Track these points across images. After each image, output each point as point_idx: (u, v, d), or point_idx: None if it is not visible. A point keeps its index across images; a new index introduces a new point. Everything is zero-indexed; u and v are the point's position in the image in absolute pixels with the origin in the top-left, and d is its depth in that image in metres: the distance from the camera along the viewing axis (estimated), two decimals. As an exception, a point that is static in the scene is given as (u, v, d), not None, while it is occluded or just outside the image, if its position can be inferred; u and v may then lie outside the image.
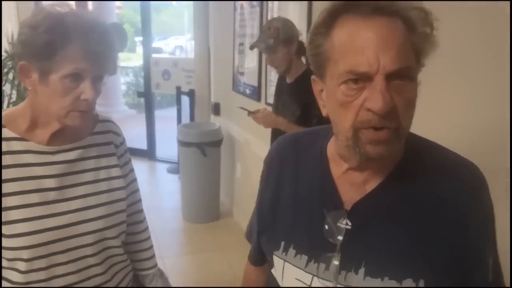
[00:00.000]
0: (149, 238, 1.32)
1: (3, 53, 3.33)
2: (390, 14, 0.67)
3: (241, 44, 3.52)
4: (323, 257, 0.76)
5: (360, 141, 0.69)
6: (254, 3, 3.19)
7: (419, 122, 0.75)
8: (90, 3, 6.34)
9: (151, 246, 1.33)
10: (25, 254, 0.99)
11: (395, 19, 0.67)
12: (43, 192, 1.02)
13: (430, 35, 0.68)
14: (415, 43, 0.68)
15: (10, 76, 3.38)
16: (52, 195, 1.03)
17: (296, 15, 2.51)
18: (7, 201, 0.98)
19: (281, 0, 2.79)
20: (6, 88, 3.44)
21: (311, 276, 0.78)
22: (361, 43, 0.66)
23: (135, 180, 1.26)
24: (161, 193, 4.65)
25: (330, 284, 0.76)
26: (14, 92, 3.40)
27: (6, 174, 0.99)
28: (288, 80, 2.29)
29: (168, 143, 5.51)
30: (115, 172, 1.16)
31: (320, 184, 0.81)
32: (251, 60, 3.33)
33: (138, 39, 8.13)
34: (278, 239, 0.85)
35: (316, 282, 0.78)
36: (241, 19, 3.49)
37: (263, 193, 0.93)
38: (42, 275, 1.02)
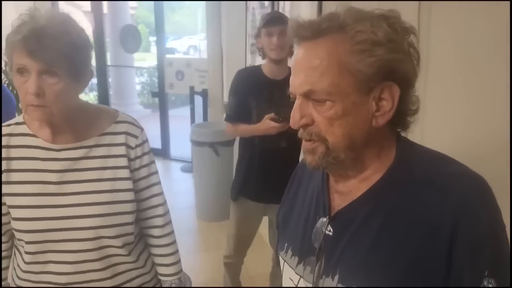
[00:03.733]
0: (170, 244, 1.31)
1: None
2: (318, 36, 0.71)
3: (253, 44, 3.54)
4: (308, 261, 0.80)
5: None
6: (266, 3, 3.21)
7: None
8: (105, 3, 6.43)
9: (173, 253, 1.31)
10: (25, 236, 1.11)
11: (324, 39, 0.70)
12: (44, 184, 1.11)
13: (364, 54, 0.68)
14: (348, 63, 0.69)
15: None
16: (51, 188, 1.11)
17: (307, 15, 2.53)
18: (15, 188, 1.11)
19: (292, 0, 2.81)
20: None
21: (298, 277, 0.83)
22: (292, 66, 0.76)
23: (154, 184, 1.26)
24: (175, 192, 4.71)
25: (310, 286, 0.79)
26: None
27: (18, 165, 1.11)
28: (276, 76, 2.26)
29: (182, 142, 5.57)
30: (122, 173, 1.18)
31: (319, 192, 0.85)
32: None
33: (153, 39, 8.20)
34: (284, 240, 0.91)
35: (302, 283, 0.82)
36: (252, 20, 3.51)
37: (286, 196, 0.99)
38: (39, 257, 1.13)
